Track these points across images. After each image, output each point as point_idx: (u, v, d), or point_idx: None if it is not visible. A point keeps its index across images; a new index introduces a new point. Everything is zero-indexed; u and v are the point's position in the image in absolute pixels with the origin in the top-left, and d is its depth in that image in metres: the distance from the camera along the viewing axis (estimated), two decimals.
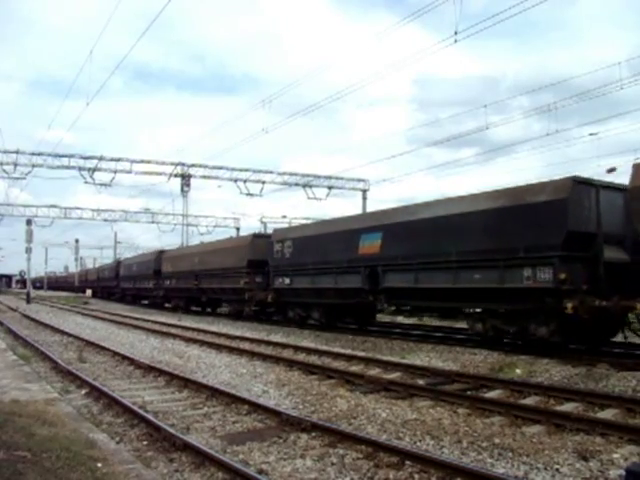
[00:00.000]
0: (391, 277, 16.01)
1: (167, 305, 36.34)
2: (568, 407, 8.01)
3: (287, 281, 21.03)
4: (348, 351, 14.05)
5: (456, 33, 14.73)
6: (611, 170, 21.99)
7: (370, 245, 16.75)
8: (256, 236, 25.60)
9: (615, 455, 5.84)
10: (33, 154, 34.81)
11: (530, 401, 8.50)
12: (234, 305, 26.59)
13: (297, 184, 41.31)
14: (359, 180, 42.66)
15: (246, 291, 23.66)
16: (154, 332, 19.75)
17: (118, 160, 36.67)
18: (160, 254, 37.92)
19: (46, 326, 21.84)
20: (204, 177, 40.87)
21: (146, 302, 42.87)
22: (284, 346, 15.09)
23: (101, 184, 36.62)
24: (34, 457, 5.05)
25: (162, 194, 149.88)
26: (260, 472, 5.34)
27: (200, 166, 40.19)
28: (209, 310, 32.30)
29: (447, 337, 16.98)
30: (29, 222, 43.97)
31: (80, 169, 35.61)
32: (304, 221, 42.93)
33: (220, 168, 39.73)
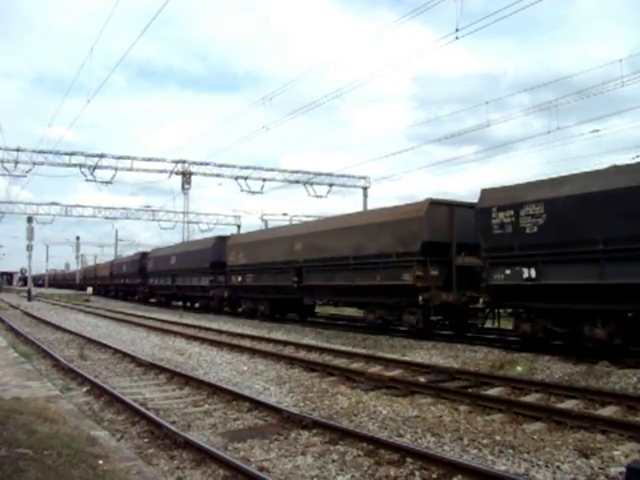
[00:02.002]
0: None
1: (227, 309, 28.16)
2: (569, 404, 8.02)
3: (528, 274, 12.45)
4: (349, 348, 14.07)
5: (457, 30, 14.70)
6: None
7: None
8: (434, 203, 15.73)
9: (616, 452, 5.84)
10: (34, 152, 34.87)
11: (531, 398, 8.50)
12: (379, 311, 17.15)
13: (298, 182, 41.34)
14: (360, 177, 42.66)
15: (419, 290, 15.08)
16: (155, 329, 19.77)
17: (119, 158, 36.71)
18: (222, 240, 28.40)
19: (47, 324, 21.87)
20: (205, 175, 40.93)
21: (174, 304, 35.32)
22: (285, 343, 15.10)
23: (102, 182, 36.71)
24: (35, 454, 5.06)
25: (163, 192, 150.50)
26: (261, 469, 5.35)
27: (201, 164, 40.23)
28: (286, 315, 24.11)
29: (448, 334, 16.97)
30: (30, 220, 43.97)
31: (81, 167, 35.70)
32: (306, 219, 42.71)
33: (221, 166, 39.78)
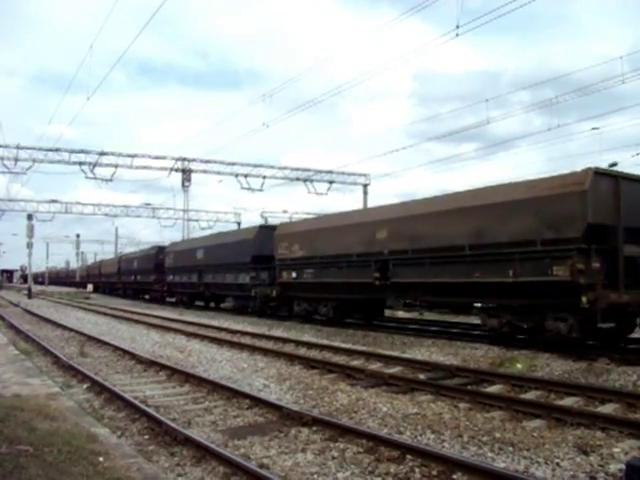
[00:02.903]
0: None
1: (280, 312, 22.90)
2: (568, 401, 8.03)
3: None
4: (349, 345, 14.07)
5: (457, 27, 14.67)
6: (612, 165, 21.95)
7: None
8: (599, 173, 12.00)
9: (615, 449, 5.85)
10: (34, 149, 34.84)
11: (531, 395, 8.51)
12: (505, 315, 13.27)
13: (298, 179, 41.33)
14: (360, 175, 42.66)
15: (580, 289, 11.35)
16: (155, 327, 19.79)
17: (119, 155, 36.69)
18: (267, 230, 23.68)
19: (47, 321, 21.89)
20: (205, 172, 40.94)
21: (205, 304, 31.24)
22: (285, 341, 15.11)
23: (102, 179, 36.70)
24: (36, 451, 5.07)
25: (163, 189, 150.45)
26: (261, 466, 5.36)
27: (201, 161, 40.21)
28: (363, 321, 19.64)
29: (448, 331, 16.98)
30: (30, 217, 44.00)
31: (81, 164, 35.66)
32: (306, 216, 42.77)
33: (221, 163, 39.77)
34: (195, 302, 32.38)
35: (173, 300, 35.33)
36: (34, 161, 34.88)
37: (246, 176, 39.49)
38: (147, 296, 40.40)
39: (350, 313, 19.64)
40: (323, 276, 19.11)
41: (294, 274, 20.51)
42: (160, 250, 37.45)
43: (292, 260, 20.68)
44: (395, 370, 10.64)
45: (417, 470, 5.29)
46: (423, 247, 14.92)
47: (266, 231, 23.61)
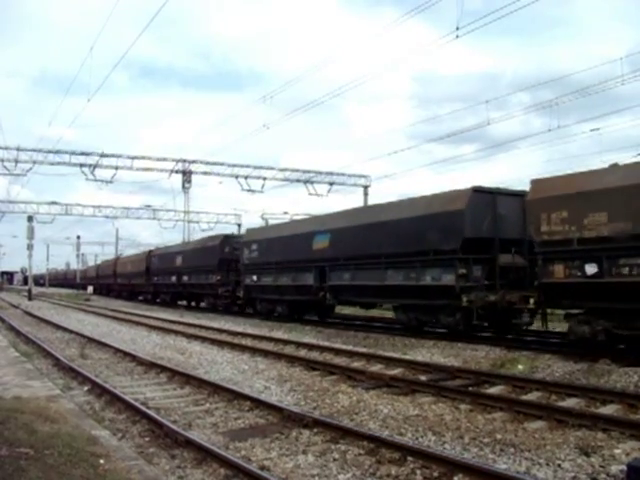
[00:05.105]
0: None
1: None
2: (570, 403, 8.01)
3: None
4: (350, 347, 14.05)
5: (457, 29, 14.65)
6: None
7: None
8: None
9: (617, 450, 5.84)
10: (34, 151, 34.83)
11: (532, 397, 8.50)
12: None
13: (298, 180, 41.31)
14: (360, 176, 42.62)
15: None
16: (156, 328, 19.77)
17: (119, 157, 36.70)
18: (480, 197, 14.01)
19: (48, 323, 21.89)
20: (205, 173, 40.96)
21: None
22: (286, 342, 15.10)
23: (102, 181, 36.69)
24: (36, 454, 5.06)
25: (163, 190, 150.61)
26: (262, 468, 5.35)
27: (201, 162, 40.22)
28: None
29: (448, 333, 16.93)
30: (30, 219, 43.96)
31: (81, 166, 35.65)
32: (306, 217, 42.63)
33: (221, 164, 39.80)
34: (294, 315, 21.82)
35: (236, 309, 26.46)
36: (34, 163, 34.87)
37: (246, 177, 39.48)
38: (207, 303, 29.77)
39: None
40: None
41: (591, 268, 11.02)
42: (226, 239, 27.50)
43: (583, 243, 11.06)
44: (396, 372, 10.62)
45: (418, 472, 5.28)
46: None
47: (484, 197, 14.13)
